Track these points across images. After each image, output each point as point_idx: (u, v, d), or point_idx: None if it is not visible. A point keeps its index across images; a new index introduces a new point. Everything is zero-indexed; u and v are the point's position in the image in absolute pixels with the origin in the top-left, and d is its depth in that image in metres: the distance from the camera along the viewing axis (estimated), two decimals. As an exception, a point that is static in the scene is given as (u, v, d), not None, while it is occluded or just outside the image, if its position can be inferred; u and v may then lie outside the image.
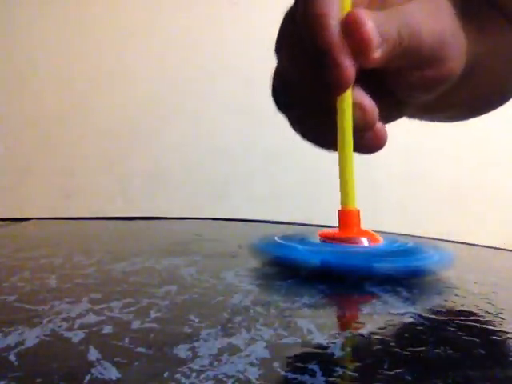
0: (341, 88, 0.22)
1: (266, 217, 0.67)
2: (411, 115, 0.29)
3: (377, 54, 0.22)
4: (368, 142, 0.24)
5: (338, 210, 0.26)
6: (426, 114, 0.31)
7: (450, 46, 0.23)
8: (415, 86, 0.24)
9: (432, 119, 0.34)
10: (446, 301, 0.25)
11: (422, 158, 0.86)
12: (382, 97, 0.24)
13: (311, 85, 0.23)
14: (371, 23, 0.21)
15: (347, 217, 0.25)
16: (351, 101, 0.23)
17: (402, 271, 0.26)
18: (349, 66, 0.21)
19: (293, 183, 0.84)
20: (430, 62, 0.23)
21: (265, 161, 0.84)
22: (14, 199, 0.84)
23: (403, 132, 0.85)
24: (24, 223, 0.58)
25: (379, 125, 0.24)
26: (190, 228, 0.59)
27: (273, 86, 0.25)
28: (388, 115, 0.26)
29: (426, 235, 0.52)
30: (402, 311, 0.22)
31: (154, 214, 0.67)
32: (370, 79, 0.24)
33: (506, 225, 0.85)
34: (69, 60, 0.86)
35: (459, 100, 0.29)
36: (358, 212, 0.26)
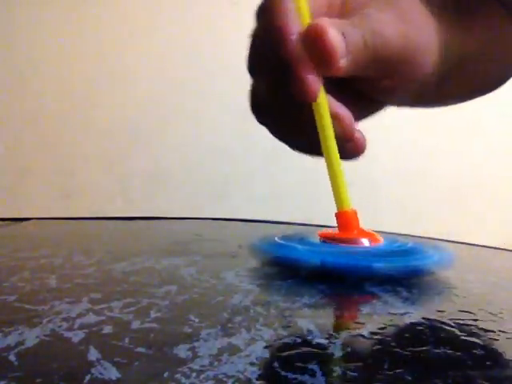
0: (307, 100, 0.22)
1: (266, 217, 0.67)
2: (396, 106, 0.29)
3: (342, 62, 0.22)
4: (347, 150, 0.25)
5: (335, 213, 0.26)
6: (409, 106, 0.31)
7: (417, 47, 0.23)
8: (386, 88, 0.24)
9: (422, 108, 0.34)
10: (446, 301, 0.25)
11: (421, 158, 0.86)
12: (357, 98, 0.24)
13: (281, 99, 0.23)
14: (334, 31, 0.21)
15: (345, 218, 0.26)
16: (327, 106, 0.23)
17: (402, 271, 0.26)
18: (311, 79, 0.22)
19: (293, 183, 0.84)
20: (398, 65, 0.23)
21: (265, 161, 0.84)
22: (14, 199, 0.84)
23: (402, 132, 0.85)
24: (24, 223, 0.58)
25: (358, 133, 0.25)
26: (190, 228, 0.59)
27: (250, 101, 0.26)
28: (365, 114, 0.26)
29: (426, 235, 0.52)
30: (402, 311, 0.22)
31: (154, 214, 0.67)
32: (341, 82, 0.24)
33: (506, 225, 0.85)
34: (69, 60, 0.86)
35: (449, 92, 0.29)
36: (355, 212, 0.26)
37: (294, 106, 0.23)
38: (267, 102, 0.24)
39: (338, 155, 0.24)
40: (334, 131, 0.23)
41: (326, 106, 0.23)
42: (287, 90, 0.22)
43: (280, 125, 0.25)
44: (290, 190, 0.84)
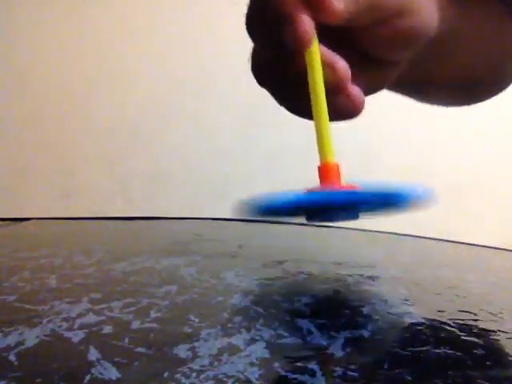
0: (301, 45, 0.22)
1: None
2: (396, 87, 0.29)
3: (338, 7, 0.22)
4: (342, 106, 0.24)
5: (318, 166, 0.25)
6: (411, 86, 0.31)
7: (414, 5, 0.23)
8: (389, 40, 0.24)
9: (425, 98, 0.34)
10: (446, 301, 0.25)
11: (421, 157, 0.86)
12: (360, 63, 0.24)
13: (281, 60, 0.23)
14: None
15: (327, 171, 0.25)
16: (318, 52, 0.23)
17: (383, 196, 0.25)
18: (305, 21, 0.22)
19: (293, 183, 0.84)
20: (399, 14, 0.23)
21: (265, 161, 0.84)
22: (14, 199, 0.84)
23: (404, 133, 0.85)
24: (24, 223, 0.58)
25: (354, 89, 0.24)
26: (190, 228, 0.59)
27: (251, 63, 0.26)
28: (369, 83, 0.26)
29: (426, 235, 0.52)
30: (402, 311, 0.22)
31: (154, 214, 0.67)
32: (345, 45, 0.24)
33: (505, 224, 0.85)
34: (69, 60, 0.86)
35: (444, 74, 0.29)
36: (337, 165, 0.25)
37: (294, 67, 0.23)
38: (267, 63, 0.24)
39: (326, 106, 0.24)
40: (326, 80, 0.23)
41: (317, 51, 0.23)
42: (286, 49, 0.22)
43: (279, 86, 0.26)
44: (289, 189, 0.84)
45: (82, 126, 0.86)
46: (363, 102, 0.24)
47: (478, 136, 0.86)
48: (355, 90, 0.24)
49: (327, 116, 0.24)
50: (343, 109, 0.24)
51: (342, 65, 0.23)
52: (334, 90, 0.23)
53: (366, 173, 0.78)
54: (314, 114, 0.24)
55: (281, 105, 0.26)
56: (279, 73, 0.24)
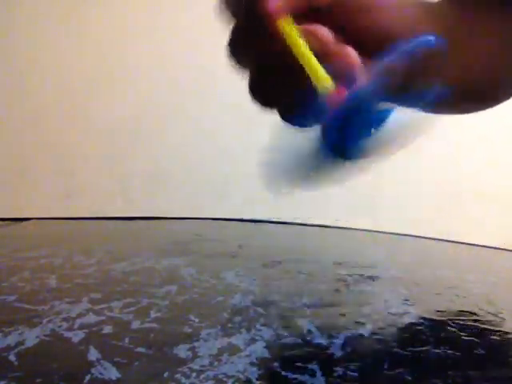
0: (272, 13, 0.23)
1: (266, 217, 0.67)
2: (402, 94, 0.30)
3: None
4: (338, 66, 0.25)
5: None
6: (415, 92, 0.31)
7: None
8: (374, 33, 0.25)
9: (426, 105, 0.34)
10: (446, 301, 0.25)
11: (423, 162, 0.86)
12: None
13: (258, 40, 0.24)
14: None
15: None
16: (292, 25, 0.24)
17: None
18: None
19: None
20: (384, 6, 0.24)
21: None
22: (14, 199, 0.84)
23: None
24: (24, 223, 0.58)
25: (343, 47, 0.25)
26: (190, 228, 0.59)
27: (250, 88, 0.26)
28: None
29: (426, 235, 0.52)
30: (402, 311, 0.22)
31: (154, 214, 0.67)
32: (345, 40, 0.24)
33: (505, 230, 0.84)
34: (69, 60, 0.86)
35: (447, 78, 0.29)
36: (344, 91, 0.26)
37: (291, 61, 0.24)
38: (268, 83, 0.25)
39: (308, 49, 0.24)
40: (312, 46, 0.24)
41: (291, 23, 0.24)
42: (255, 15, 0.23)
43: (288, 105, 0.26)
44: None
45: (82, 126, 0.86)
46: (356, 57, 0.25)
47: (480, 142, 0.86)
48: (345, 48, 0.25)
49: (311, 53, 0.24)
50: (340, 68, 0.25)
51: (322, 30, 0.24)
52: (322, 53, 0.24)
53: (367, 179, 0.78)
54: (300, 58, 0.25)
55: (288, 122, 0.27)
56: (284, 88, 0.25)
